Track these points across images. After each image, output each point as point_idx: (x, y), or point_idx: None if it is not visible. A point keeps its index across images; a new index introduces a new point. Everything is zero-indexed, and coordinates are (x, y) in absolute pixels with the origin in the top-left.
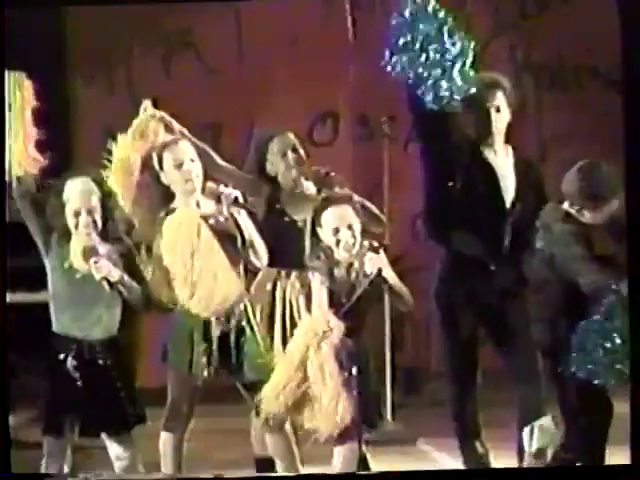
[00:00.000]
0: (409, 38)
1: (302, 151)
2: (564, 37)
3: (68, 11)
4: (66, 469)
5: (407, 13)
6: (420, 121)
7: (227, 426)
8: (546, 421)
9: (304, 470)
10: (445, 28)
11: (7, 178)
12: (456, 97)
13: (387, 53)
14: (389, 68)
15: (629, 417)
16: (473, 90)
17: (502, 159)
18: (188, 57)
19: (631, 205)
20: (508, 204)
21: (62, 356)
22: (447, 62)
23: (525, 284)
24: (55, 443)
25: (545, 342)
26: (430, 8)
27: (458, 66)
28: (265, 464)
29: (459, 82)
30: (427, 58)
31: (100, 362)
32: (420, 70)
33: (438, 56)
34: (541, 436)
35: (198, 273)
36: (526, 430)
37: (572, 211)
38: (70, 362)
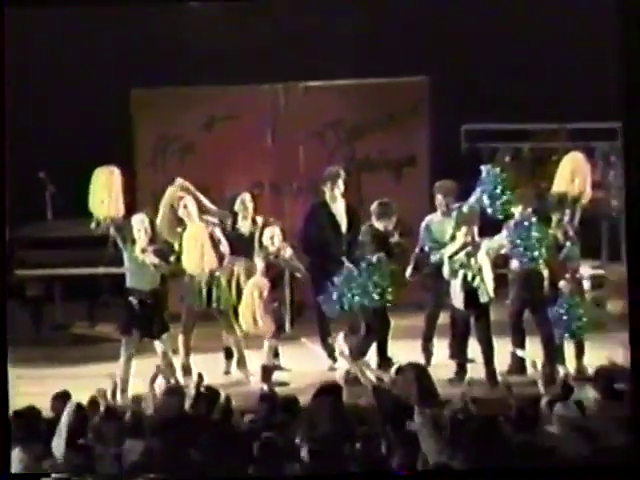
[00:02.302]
0: None
1: (251, 202)
2: (372, 146)
3: (137, 131)
4: (134, 351)
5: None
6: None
7: (210, 332)
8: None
9: (246, 352)
10: None
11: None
12: None
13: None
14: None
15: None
16: None
17: (340, 208)
18: (191, 155)
19: (630, 206)
20: (344, 230)
21: (130, 298)
22: None
23: (357, 263)
24: (127, 340)
25: None
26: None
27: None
28: (228, 350)
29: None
30: None
31: (148, 301)
32: None
33: None
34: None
35: (198, 255)
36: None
37: (373, 223)
38: (134, 300)
